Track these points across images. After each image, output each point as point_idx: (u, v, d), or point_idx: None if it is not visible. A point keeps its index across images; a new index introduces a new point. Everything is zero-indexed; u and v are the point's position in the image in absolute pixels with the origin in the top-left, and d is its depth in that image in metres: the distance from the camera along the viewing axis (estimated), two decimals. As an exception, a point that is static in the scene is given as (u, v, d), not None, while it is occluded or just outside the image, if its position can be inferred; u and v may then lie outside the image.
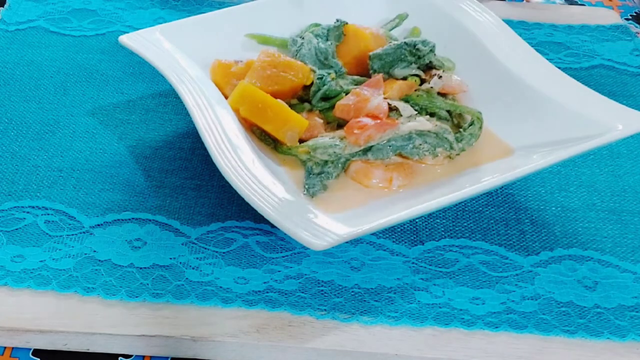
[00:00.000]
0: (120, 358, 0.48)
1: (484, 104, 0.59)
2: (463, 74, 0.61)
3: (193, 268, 0.51)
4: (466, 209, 0.56)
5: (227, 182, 0.48)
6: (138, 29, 0.61)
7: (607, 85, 0.69)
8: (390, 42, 0.60)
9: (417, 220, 0.55)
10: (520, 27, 0.76)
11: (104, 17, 0.73)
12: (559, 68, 0.59)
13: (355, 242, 0.53)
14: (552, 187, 0.59)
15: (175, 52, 0.58)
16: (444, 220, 0.55)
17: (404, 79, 0.59)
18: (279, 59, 0.57)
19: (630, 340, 0.48)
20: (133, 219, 0.54)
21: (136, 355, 0.48)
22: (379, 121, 0.53)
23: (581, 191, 0.59)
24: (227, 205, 0.55)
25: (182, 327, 0.47)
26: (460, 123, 0.58)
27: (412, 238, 0.54)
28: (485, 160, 0.55)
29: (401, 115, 0.55)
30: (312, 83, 0.58)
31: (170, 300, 0.49)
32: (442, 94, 0.59)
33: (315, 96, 0.57)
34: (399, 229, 0.54)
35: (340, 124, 0.56)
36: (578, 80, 0.57)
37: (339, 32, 0.61)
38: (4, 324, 0.47)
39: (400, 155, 0.54)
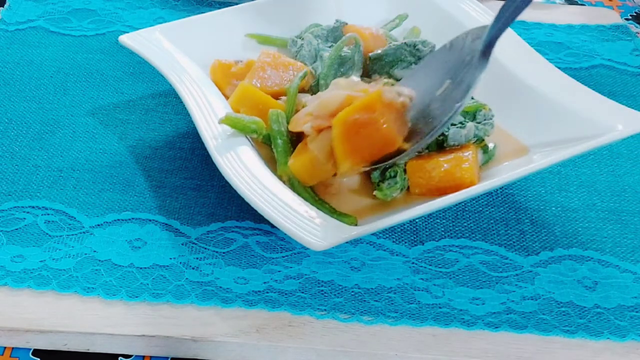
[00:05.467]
0: (120, 358, 0.48)
1: (483, 104, 0.59)
2: (463, 74, 0.61)
3: (193, 268, 0.51)
4: (466, 209, 0.56)
5: (227, 182, 0.48)
6: (138, 29, 0.61)
7: (607, 85, 0.69)
8: (390, 43, 0.60)
9: (417, 220, 0.55)
10: (520, 27, 0.76)
11: (104, 17, 0.73)
12: (559, 68, 0.59)
13: (355, 242, 0.53)
14: (552, 187, 0.59)
15: (175, 52, 0.58)
16: (444, 220, 0.55)
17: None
18: (279, 59, 0.57)
19: (630, 340, 0.48)
20: (133, 219, 0.54)
21: (136, 355, 0.48)
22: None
23: (581, 191, 0.59)
24: (227, 205, 0.55)
25: (182, 327, 0.47)
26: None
27: (412, 238, 0.54)
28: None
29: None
30: (311, 85, 0.58)
31: (170, 300, 0.49)
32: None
33: None
34: (399, 229, 0.54)
35: None
36: (578, 80, 0.57)
37: (338, 32, 0.61)
38: (4, 324, 0.47)
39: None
